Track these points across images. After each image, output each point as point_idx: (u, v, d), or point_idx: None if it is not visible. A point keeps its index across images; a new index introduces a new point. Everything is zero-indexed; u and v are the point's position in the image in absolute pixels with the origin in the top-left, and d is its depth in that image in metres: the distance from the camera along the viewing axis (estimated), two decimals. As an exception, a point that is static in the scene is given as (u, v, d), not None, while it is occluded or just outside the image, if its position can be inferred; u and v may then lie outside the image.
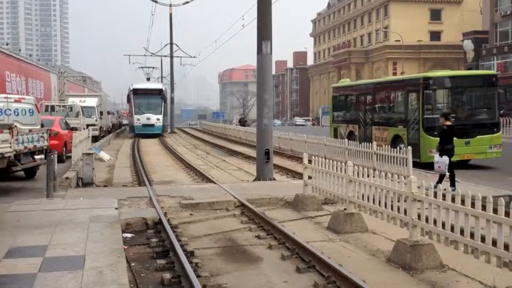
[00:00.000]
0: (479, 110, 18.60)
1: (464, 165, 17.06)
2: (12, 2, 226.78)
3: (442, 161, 11.43)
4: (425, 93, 17.21)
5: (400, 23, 71.74)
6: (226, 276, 6.51)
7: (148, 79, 55.98)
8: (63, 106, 29.00)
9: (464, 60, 60.34)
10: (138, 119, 39.85)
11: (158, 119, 40.27)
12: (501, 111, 38.97)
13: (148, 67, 57.02)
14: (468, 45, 58.02)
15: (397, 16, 73.78)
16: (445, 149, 11.59)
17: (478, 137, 17.20)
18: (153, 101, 40.71)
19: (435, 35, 75.45)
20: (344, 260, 6.88)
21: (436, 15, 75.60)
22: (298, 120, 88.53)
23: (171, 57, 52.80)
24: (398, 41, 64.64)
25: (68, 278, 5.73)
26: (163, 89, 43.25)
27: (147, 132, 39.18)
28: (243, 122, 51.86)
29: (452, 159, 11.87)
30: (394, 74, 65.82)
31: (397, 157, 14.32)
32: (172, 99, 51.69)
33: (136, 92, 41.01)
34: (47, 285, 5.52)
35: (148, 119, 39.78)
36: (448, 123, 12.03)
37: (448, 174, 11.66)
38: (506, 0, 55.02)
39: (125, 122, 59.81)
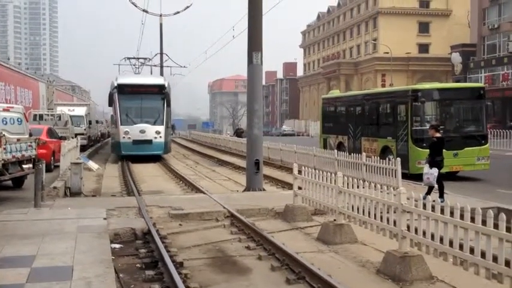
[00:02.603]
0: (467, 122, 18.78)
1: (452, 176, 17.17)
2: (2, 10, 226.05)
3: (431, 173, 11.49)
4: (413, 105, 17.36)
5: (388, 35, 72.34)
6: (216, 287, 6.48)
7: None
8: (52, 115, 28.87)
9: (452, 73, 60.98)
10: (127, 133, 25.59)
11: (158, 132, 25.96)
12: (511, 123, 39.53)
13: (138, 58, 39.10)
14: (456, 58, 58.67)
15: (386, 28, 74.40)
16: (436, 160, 11.66)
17: (466, 148, 17.33)
18: (151, 104, 26.75)
19: (423, 48, 76.14)
20: (334, 271, 6.87)
21: (424, 28, 76.36)
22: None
23: (161, 66, 52.71)
24: (387, 53, 65.13)
25: (56, 288, 5.68)
26: (166, 84, 27.69)
27: (141, 153, 25.59)
28: (239, 133, 47.91)
29: (441, 171, 11.94)
30: (383, 85, 66.26)
31: (386, 168, 14.37)
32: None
33: (123, 89, 26.32)
34: (34, 296, 5.46)
35: (142, 131, 25.70)
36: (438, 135, 12.12)
37: (436, 185, 11.72)
38: (494, 14, 55.77)
39: None
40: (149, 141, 25.80)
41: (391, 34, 72.13)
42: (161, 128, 26.19)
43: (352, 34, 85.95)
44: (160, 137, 26.06)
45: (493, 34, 55.41)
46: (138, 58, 38.99)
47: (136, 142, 25.58)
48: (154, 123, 26.23)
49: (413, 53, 74.10)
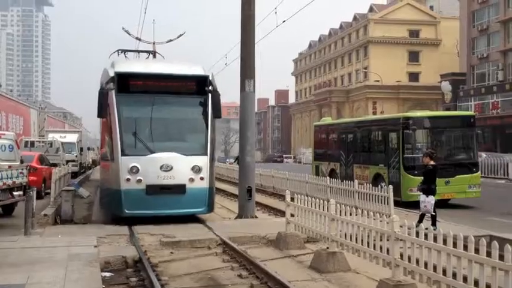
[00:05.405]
0: (458, 150, 18.89)
1: (444, 204, 17.18)
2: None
3: (428, 201, 11.53)
4: (405, 133, 17.47)
5: (379, 63, 73.21)
6: (208, 316, 6.40)
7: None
8: (43, 142, 28.78)
9: (442, 101, 61.59)
10: (134, 171, 12.41)
11: (198, 170, 12.85)
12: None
13: (140, 51, 20.96)
14: (446, 86, 59.35)
15: (377, 57, 75.33)
16: (432, 188, 11.71)
17: (457, 176, 17.36)
18: (182, 113, 14.04)
19: (413, 76, 77.05)
20: (327, 300, 6.81)
21: (414, 57, 77.39)
22: None
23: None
24: (378, 81, 65.85)
25: (46, 318, 5.58)
26: (211, 76, 13.83)
27: (163, 212, 12.69)
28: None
29: (433, 199, 11.95)
30: (374, 113, 66.74)
31: (378, 195, 14.37)
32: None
33: (126, 83, 13.22)
34: (23, 326, 5.36)
35: (166, 168, 12.56)
36: (433, 162, 12.19)
37: (431, 214, 11.73)
38: (482, 44, 56.69)
39: None
40: (180, 188, 12.76)
41: (382, 63, 73.01)
42: (203, 161, 13.10)
43: (343, 62, 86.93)
44: (202, 178, 12.97)
45: (482, 63, 56.21)
46: (139, 51, 21.14)
47: (153, 190, 12.57)
48: (189, 153, 13.19)
49: (404, 82, 74.91)
